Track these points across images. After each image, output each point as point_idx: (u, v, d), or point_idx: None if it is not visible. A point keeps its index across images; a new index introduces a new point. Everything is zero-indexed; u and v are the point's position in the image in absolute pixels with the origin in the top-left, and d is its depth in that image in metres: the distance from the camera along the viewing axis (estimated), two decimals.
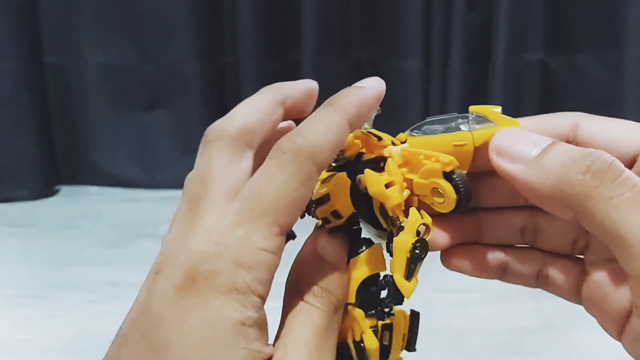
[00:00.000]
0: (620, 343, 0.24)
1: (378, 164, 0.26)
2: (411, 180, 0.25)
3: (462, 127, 0.25)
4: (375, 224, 0.26)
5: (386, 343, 0.26)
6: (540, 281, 0.28)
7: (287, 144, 0.22)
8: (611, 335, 0.25)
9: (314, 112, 0.24)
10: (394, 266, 0.24)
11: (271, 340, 0.23)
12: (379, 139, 0.26)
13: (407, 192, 0.25)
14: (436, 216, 0.26)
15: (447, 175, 0.24)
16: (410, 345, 0.28)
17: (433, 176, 0.24)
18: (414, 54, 1.20)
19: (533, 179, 0.22)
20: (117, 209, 1.22)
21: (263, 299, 0.21)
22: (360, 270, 0.26)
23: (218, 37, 1.26)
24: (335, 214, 0.26)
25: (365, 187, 0.25)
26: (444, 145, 0.25)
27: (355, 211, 0.25)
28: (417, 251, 0.24)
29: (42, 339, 0.72)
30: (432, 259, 0.28)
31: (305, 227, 0.27)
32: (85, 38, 1.26)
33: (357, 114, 0.24)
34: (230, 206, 0.22)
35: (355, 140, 0.27)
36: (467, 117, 0.25)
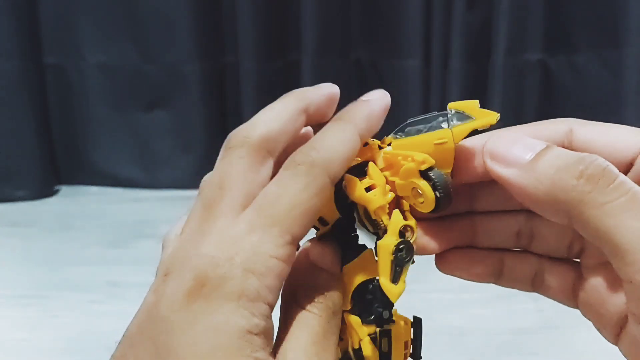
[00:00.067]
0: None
1: (362, 168, 0.26)
2: (394, 182, 0.25)
3: (443, 125, 0.25)
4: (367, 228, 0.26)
5: (385, 350, 0.26)
6: (536, 285, 0.28)
7: (301, 157, 0.23)
8: (607, 340, 0.25)
9: (325, 126, 0.25)
10: (379, 270, 0.24)
11: None
12: (365, 144, 0.26)
13: (391, 195, 0.25)
14: (430, 220, 0.26)
15: (424, 174, 0.24)
16: (416, 353, 0.27)
17: (411, 176, 0.24)
18: (414, 54, 1.20)
19: (527, 183, 0.22)
20: (117, 209, 1.22)
21: (271, 307, 0.21)
22: (354, 277, 0.25)
23: (218, 37, 1.26)
24: (322, 221, 0.26)
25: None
26: (426, 145, 0.25)
27: (340, 217, 0.25)
28: (402, 253, 0.23)
29: (42, 339, 0.72)
30: (432, 259, 0.28)
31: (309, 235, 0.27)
32: (85, 38, 1.26)
33: (366, 127, 0.25)
34: (244, 213, 0.22)
35: None
36: (447, 114, 0.25)
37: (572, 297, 0.26)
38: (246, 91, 1.25)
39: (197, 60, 1.26)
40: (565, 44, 1.19)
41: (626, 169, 0.24)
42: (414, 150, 0.25)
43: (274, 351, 0.23)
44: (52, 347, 0.70)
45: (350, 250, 0.26)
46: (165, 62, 1.27)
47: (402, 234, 0.24)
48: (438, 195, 0.24)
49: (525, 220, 0.27)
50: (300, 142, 0.24)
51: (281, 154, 0.25)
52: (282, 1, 1.23)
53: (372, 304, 0.25)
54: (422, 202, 0.24)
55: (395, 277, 0.23)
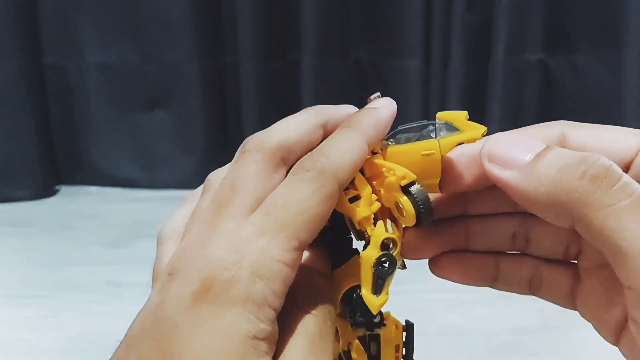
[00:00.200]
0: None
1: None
2: (380, 191, 0.25)
3: (432, 134, 0.25)
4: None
5: (374, 354, 0.26)
6: (533, 288, 0.27)
7: (310, 163, 0.23)
8: (607, 341, 0.25)
9: (333, 133, 0.25)
10: (361, 281, 0.24)
11: None
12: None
13: (376, 205, 0.24)
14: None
15: (405, 189, 0.24)
16: (407, 357, 0.27)
17: (392, 190, 0.24)
18: (414, 54, 1.20)
19: (527, 185, 0.21)
20: (117, 209, 1.22)
21: (277, 311, 0.21)
22: (343, 281, 0.25)
23: (218, 37, 1.26)
24: None
25: None
26: (414, 155, 0.25)
27: (328, 224, 0.25)
28: (384, 266, 0.23)
29: (42, 339, 0.72)
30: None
31: None
32: (85, 38, 1.26)
33: (374, 134, 0.25)
34: (253, 216, 0.22)
35: None
36: (435, 124, 0.25)
37: (570, 299, 0.26)
38: (246, 91, 1.25)
39: (197, 60, 1.26)
40: (565, 44, 1.19)
41: (623, 171, 0.23)
42: (402, 159, 0.25)
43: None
44: (52, 347, 0.70)
45: (339, 256, 0.26)
46: (165, 62, 1.27)
47: (385, 246, 0.23)
48: (418, 211, 0.23)
49: (520, 223, 0.27)
50: None
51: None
52: (282, 1, 1.23)
53: (355, 313, 0.25)
54: (404, 217, 0.24)
55: (377, 289, 0.23)
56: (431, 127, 0.25)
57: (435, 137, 0.25)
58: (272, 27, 1.23)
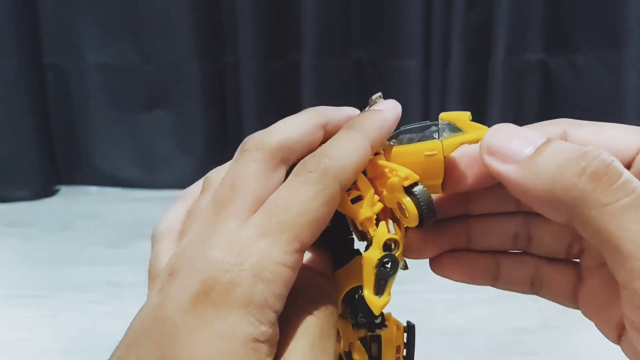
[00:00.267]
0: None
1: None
2: (382, 192, 0.25)
3: (435, 135, 0.25)
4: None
5: (375, 355, 0.26)
6: (535, 287, 0.27)
7: (313, 164, 0.22)
8: (609, 339, 0.24)
9: (337, 134, 0.24)
10: (363, 282, 0.23)
11: None
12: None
13: (378, 206, 0.24)
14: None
15: (408, 190, 0.23)
16: (408, 358, 0.27)
17: (395, 191, 0.24)
18: (414, 54, 1.20)
19: (525, 180, 0.21)
20: (117, 209, 1.22)
21: (278, 314, 0.21)
22: (344, 282, 0.25)
23: (218, 37, 1.26)
24: None
25: None
26: (417, 155, 0.24)
27: (329, 224, 0.25)
28: (386, 267, 0.23)
29: (42, 339, 0.72)
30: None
31: None
32: (85, 38, 1.26)
33: (378, 136, 0.24)
34: (254, 217, 0.22)
35: None
36: (438, 125, 0.25)
37: (572, 298, 0.26)
38: (246, 91, 1.25)
39: (197, 60, 1.26)
40: (565, 44, 1.19)
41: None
42: (404, 159, 0.25)
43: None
44: (52, 347, 0.70)
45: (340, 256, 0.26)
46: (165, 62, 1.27)
47: (387, 246, 0.23)
48: (421, 212, 0.23)
49: (522, 223, 0.27)
50: None
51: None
52: (282, 1, 1.23)
53: (356, 313, 0.25)
54: (407, 217, 0.24)
55: (379, 290, 0.23)
56: (434, 128, 0.25)
57: (438, 137, 0.24)
58: (272, 27, 1.23)
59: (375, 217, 0.24)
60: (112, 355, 0.22)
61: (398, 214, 0.24)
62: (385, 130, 0.25)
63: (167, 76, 1.27)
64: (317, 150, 0.23)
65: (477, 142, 0.24)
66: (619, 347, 0.24)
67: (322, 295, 0.24)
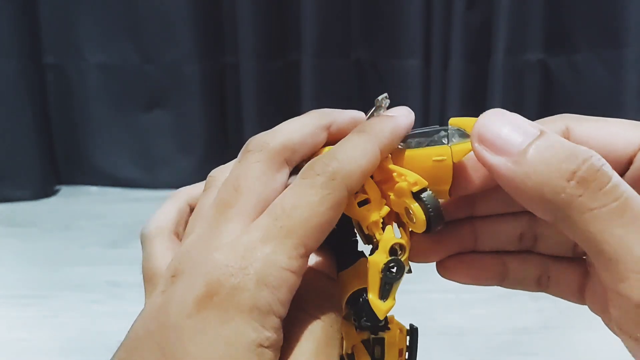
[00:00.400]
0: (621, 343, 0.24)
1: None
2: (390, 196, 0.25)
3: (444, 140, 0.24)
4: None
5: (378, 357, 0.26)
6: (541, 285, 0.27)
7: (320, 166, 0.22)
8: (616, 335, 0.25)
9: (347, 137, 0.24)
10: (368, 286, 0.23)
11: None
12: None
13: (385, 209, 0.24)
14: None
15: (416, 196, 0.23)
16: None
17: (403, 196, 0.23)
18: (414, 54, 1.20)
19: (514, 176, 0.20)
20: (117, 209, 1.22)
21: (282, 319, 0.21)
22: (348, 284, 0.25)
23: (218, 37, 1.26)
24: None
25: None
26: (425, 160, 0.24)
27: (335, 227, 0.25)
28: (392, 271, 0.23)
29: (42, 339, 0.72)
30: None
31: None
32: (85, 38, 1.26)
33: (388, 142, 0.24)
34: (259, 220, 0.22)
35: None
36: (448, 130, 0.24)
37: (579, 295, 0.26)
38: (246, 91, 1.25)
39: (197, 60, 1.26)
40: (565, 44, 1.19)
41: (626, 165, 0.23)
42: (413, 163, 0.24)
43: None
44: (52, 347, 0.70)
45: (344, 258, 0.26)
46: (165, 62, 1.27)
47: (393, 251, 0.23)
48: (429, 218, 0.23)
49: (528, 223, 0.26)
50: None
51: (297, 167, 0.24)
52: (282, 1, 1.23)
53: (360, 317, 0.25)
54: (414, 223, 0.24)
55: (384, 294, 0.23)
56: (443, 133, 0.24)
57: (447, 143, 0.24)
58: (272, 27, 1.23)
59: (381, 221, 0.24)
60: (114, 356, 0.21)
61: (405, 219, 0.24)
62: (396, 137, 0.24)
63: (167, 76, 1.27)
64: (326, 152, 0.23)
65: None
66: (618, 347, 0.24)
67: (327, 298, 0.24)
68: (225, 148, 1.31)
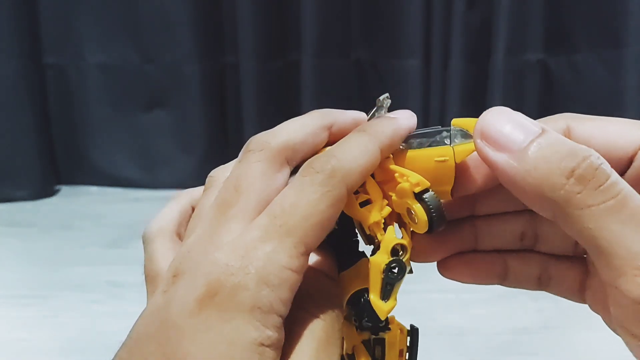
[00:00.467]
0: (621, 342, 0.24)
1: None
2: (391, 196, 0.25)
3: (446, 141, 0.24)
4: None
5: (379, 358, 0.26)
6: (542, 284, 0.27)
7: (320, 164, 0.22)
8: (617, 334, 0.25)
9: (347, 136, 0.24)
10: (370, 286, 0.23)
11: None
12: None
13: (386, 210, 0.24)
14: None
15: (418, 196, 0.23)
16: None
17: (405, 196, 0.23)
18: (414, 54, 1.20)
19: (515, 174, 0.21)
20: (117, 209, 1.22)
21: (283, 318, 0.21)
22: (349, 284, 0.25)
23: (218, 37, 1.26)
24: None
25: None
26: (427, 160, 0.24)
27: (335, 226, 0.25)
28: (394, 272, 0.23)
29: (42, 339, 0.72)
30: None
31: None
32: (85, 38, 1.26)
33: (389, 143, 0.24)
34: (259, 219, 0.22)
35: None
36: (450, 131, 0.24)
37: (579, 293, 0.26)
38: (246, 91, 1.25)
39: (197, 60, 1.26)
40: (565, 44, 1.19)
41: (626, 164, 0.23)
42: (414, 164, 0.24)
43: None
44: (52, 347, 0.70)
45: (345, 258, 0.26)
46: (165, 62, 1.27)
47: (395, 251, 0.23)
48: (431, 219, 0.23)
49: (528, 222, 0.26)
50: None
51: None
52: (282, 1, 1.23)
53: (361, 317, 0.25)
54: (416, 223, 0.24)
55: (385, 295, 0.23)
56: (445, 134, 0.24)
57: (450, 143, 0.24)
58: (272, 27, 1.23)
59: (383, 221, 0.24)
60: (115, 356, 0.21)
61: (407, 220, 0.24)
62: (397, 138, 0.24)
63: (167, 76, 1.27)
64: (325, 151, 0.23)
65: None
66: (617, 347, 0.24)
67: (328, 298, 0.24)
68: (225, 148, 1.31)
